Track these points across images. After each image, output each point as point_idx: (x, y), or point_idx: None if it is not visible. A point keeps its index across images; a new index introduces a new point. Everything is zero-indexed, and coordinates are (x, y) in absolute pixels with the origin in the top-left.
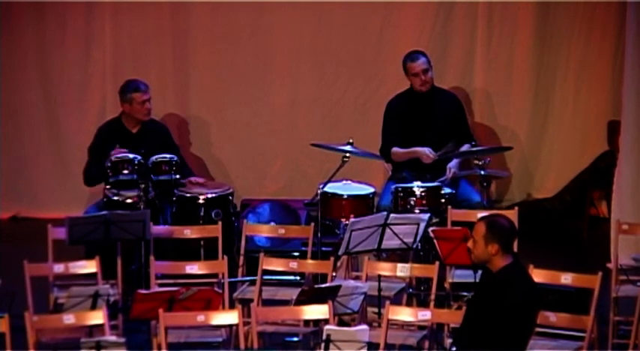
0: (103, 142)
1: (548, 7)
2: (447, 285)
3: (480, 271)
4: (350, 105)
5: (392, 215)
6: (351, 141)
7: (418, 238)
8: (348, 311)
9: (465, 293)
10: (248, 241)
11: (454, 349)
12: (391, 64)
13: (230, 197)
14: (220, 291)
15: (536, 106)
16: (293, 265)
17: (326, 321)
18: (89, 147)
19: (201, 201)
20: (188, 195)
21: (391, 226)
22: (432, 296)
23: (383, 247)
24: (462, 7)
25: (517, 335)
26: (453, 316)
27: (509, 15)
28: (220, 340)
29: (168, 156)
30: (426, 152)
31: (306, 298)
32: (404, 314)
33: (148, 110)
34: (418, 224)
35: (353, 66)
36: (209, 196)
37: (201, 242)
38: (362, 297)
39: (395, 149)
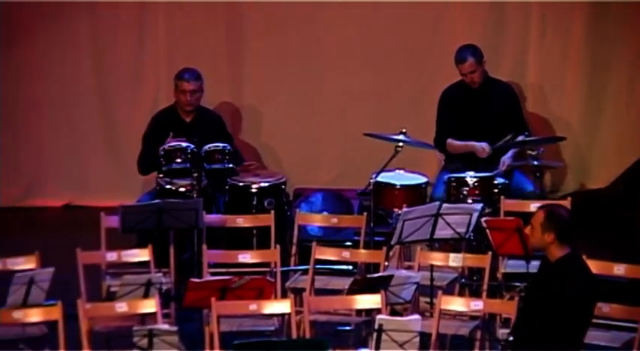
0: (157, 130)
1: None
2: (499, 275)
3: (532, 262)
4: (403, 94)
5: (445, 205)
6: (404, 130)
7: (471, 228)
8: (401, 301)
9: (518, 283)
10: (300, 230)
11: (511, 338)
12: (444, 54)
13: (283, 186)
14: (273, 280)
15: (590, 96)
16: (345, 254)
17: (378, 310)
18: (143, 136)
19: (254, 190)
20: (241, 184)
21: (444, 216)
22: (485, 286)
23: (435, 236)
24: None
25: (574, 327)
26: (505, 307)
27: (563, 7)
28: (272, 329)
29: (221, 145)
30: (482, 146)
31: (359, 288)
32: (456, 304)
33: (189, 101)
34: (471, 214)
35: (406, 56)
36: (262, 185)
37: (254, 231)
38: (414, 287)
39: (450, 141)
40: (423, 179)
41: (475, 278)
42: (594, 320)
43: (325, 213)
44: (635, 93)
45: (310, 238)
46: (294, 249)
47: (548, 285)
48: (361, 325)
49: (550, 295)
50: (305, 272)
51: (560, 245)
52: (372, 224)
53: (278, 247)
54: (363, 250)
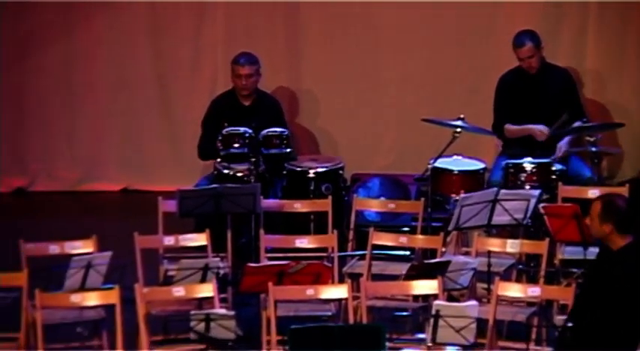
0: (215, 115)
1: None
2: (556, 261)
3: (590, 248)
4: (461, 80)
5: (502, 191)
6: (462, 116)
7: (528, 215)
8: (458, 287)
9: (575, 270)
10: (358, 216)
11: (570, 324)
12: (503, 40)
13: (340, 171)
14: (330, 265)
15: None
16: (403, 240)
17: (435, 296)
18: (202, 120)
19: (311, 175)
20: (298, 169)
21: (501, 202)
22: (542, 273)
23: (493, 222)
24: None
25: (635, 315)
26: (562, 293)
27: None
28: (329, 314)
29: (279, 130)
30: (540, 129)
31: (416, 273)
32: (513, 290)
33: (244, 85)
34: (529, 200)
35: (465, 41)
36: (319, 170)
37: (311, 216)
38: (471, 273)
39: (508, 126)
40: (480, 165)
41: (532, 264)
42: None
43: (383, 198)
44: None
45: (367, 223)
46: (351, 234)
47: (609, 273)
48: (418, 310)
49: (612, 284)
50: (362, 257)
51: (620, 235)
52: (429, 210)
53: (335, 232)
54: (420, 236)
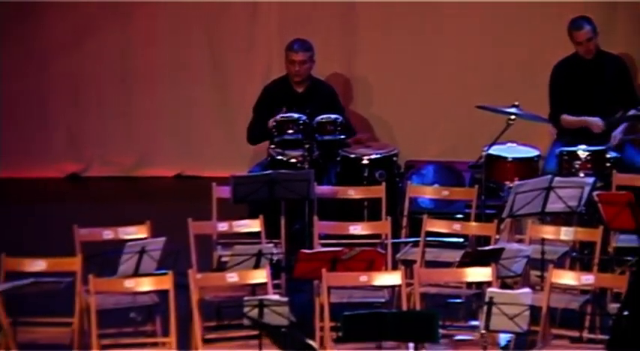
0: (268, 101)
1: None
2: (610, 249)
3: None
4: (516, 67)
5: (556, 179)
6: (516, 103)
7: (582, 202)
8: (511, 274)
9: (630, 258)
10: (412, 203)
11: (626, 313)
12: (557, 27)
13: (394, 158)
14: (383, 252)
15: None
16: (456, 227)
17: (489, 283)
18: (254, 106)
19: (365, 161)
20: (352, 155)
21: (556, 190)
22: (596, 260)
23: (547, 210)
24: None
25: None
26: (616, 281)
27: None
28: (383, 300)
29: (333, 116)
30: (597, 122)
31: (470, 261)
32: (567, 278)
33: (297, 72)
34: (583, 188)
35: (519, 28)
36: (373, 156)
37: (365, 203)
38: (525, 260)
39: (564, 116)
40: (534, 152)
41: (586, 252)
42: None
43: (436, 185)
44: None
45: (421, 210)
46: (405, 221)
47: None
48: (471, 297)
49: None
50: (416, 244)
51: None
52: (483, 197)
53: (389, 218)
54: (474, 223)
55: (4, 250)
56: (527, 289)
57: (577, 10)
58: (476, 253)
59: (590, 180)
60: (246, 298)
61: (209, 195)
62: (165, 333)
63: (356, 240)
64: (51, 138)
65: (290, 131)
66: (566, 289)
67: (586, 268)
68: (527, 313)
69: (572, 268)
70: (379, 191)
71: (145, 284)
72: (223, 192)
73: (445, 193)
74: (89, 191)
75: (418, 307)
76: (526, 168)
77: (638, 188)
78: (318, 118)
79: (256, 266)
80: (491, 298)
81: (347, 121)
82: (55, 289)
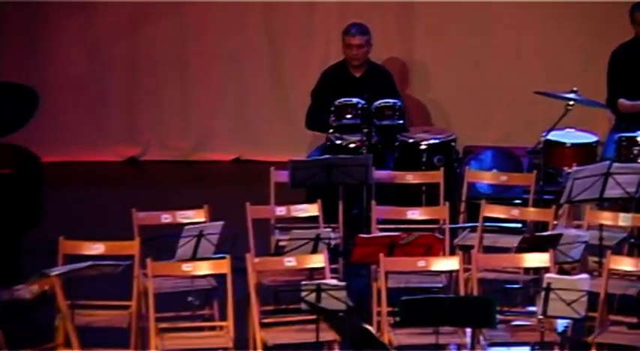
0: (326, 86)
1: None
2: None
3: None
4: (575, 53)
5: (615, 164)
6: (575, 89)
7: None
8: (569, 260)
9: None
10: (470, 188)
11: None
12: (616, 12)
13: (452, 143)
14: (441, 237)
15: None
16: (514, 212)
17: (546, 269)
18: (312, 90)
19: (423, 146)
20: (410, 140)
21: (614, 176)
22: None
23: (605, 196)
24: None
25: None
26: None
27: None
28: (440, 285)
29: (391, 101)
30: None
31: (527, 246)
32: (625, 264)
33: (354, 56)
34: None
35: (577, 13)
36: (432, 141)
37: (423, 188)
38: (583, 246)
39: (622, 101)
40: (593, 138)
41: None
42: None
43: (495, 171)
44: None
45: (479, 195)
46: (463, 206)
47: None
48: (529, 283)
49: None
50: (473, 230)
51: None
52: (541, 182)
53: (447, 204)
54: (532, 209)
55: (63, 234)
56: (584, 275)
57: None
58: (534, 238)
59: None
60: (303, 283)
61: (267, 179)
62: (223, 317)
63: (414, 225)
64: (109, 122)
65: (348, 116)
66: (624, 275)
67: None
68: (585, 299)
69: (630, 254)
70: (437, 176)
71: (203, 268)
72: (281, 176)
73: (503, 178)
74: (147, 175)
75: (475, 293)
76: (584, 154)
77: None
78: (377, 102)
79: (314, 251)
80: (549, 283)
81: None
82: (113, 272)
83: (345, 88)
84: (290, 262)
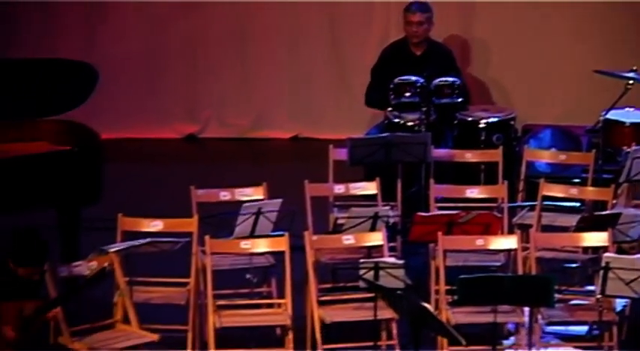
0: (386, 64)
1: None
2: None
3: None
4: (634, 32)
5: None
6: (635, 68)
7: None
8: (628, 239)
9: None
10: (528, 167)
11: None
12: None
13: (512, 122)
14: (500, 215)
15: None
16: (573, 191)
17: (605, 248)
18: (372, 68)
19: (482, 125)
20: (469, 119)
21: None
22: None
23: None
24: None
25: None
26: None
27: None
28: (498, 264)
29: (450, 79)
30: None
31: (586, 225)
32: None
33: (415, 33)
34: None
35: None
36: (491, 120)
37: (482, 166)
38: None
39: None
40: None
41: None
42: None
43: (554, 149)
44: None
45: (538, 174)
46: (521, 185)
47: None
48: (587, 262)
49: None
50: (532, 208)
51: None
52: (600, 161)
53: (505, 182)
54: (590, 188)
55: (122, 211)
56: None
57: None
58: (592, 217)
59: None
60: (361, 261)
61: (325, 157)
62: (281, 295)
63: (472, 203)
64: (168, 99)
65: (407, 94)
66: None
67: None
68: None
69: None
70: (496, 155)
71: (261, 245)
72: (340, 154)
73: (562, 157)
74: (206, 152)
75: (534, 272)
76: None
77: None
78: (436, 81)
79: (372, 229)
80: (607, 263)
81: (463, 85)
82: (171, 249)
83: (404, 66)
84: (348, 240)
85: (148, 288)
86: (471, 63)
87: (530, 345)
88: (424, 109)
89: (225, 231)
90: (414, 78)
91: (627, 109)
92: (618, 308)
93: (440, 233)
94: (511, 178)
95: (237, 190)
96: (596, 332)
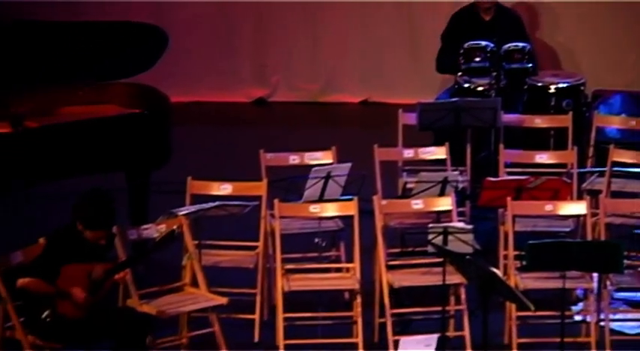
0: (455, 29)
1: None
2: None
3: None
4: None
5: None
6: None
7: None
8: None
9: None
10: (598, 132)
11: None
12: None
13: (582, 87)
14: (569, 181)
15: None
16: None
17: None
18: (442, 33)
19: (552, 90)
20: (539, 84)
21: None
22: None
23: None
24: None
25: None
26: None
27: None
28: (567, 230)
29: (520, 44)
30: None
31: None
32: None
33: None
34: None
35: None
36: (560, 85)
37: (551, 132)
38: None
39: None
40: None
41: None
42: None
43: (624, 115)
44: None
45: (608, 140)
46: (591, 151)
47: None
48: None
49: None
50: (602, 174)
51: None
52: None
53: (575, 148)
54: None
55: (191, 174)
56: None
57: None
58: None
59: None
60: (430, 225)
61: (395, 121)
62: (349, 259)
63: (541, 169)
64: (238, 63)
65: (477, 59)
66: None
67: None
68: None
69: None
70: (566, 120)
71: (330, 209)
72: (409, 118)
73: (632, 123)
74: (275, 116)
75: (603, 238)
76: None
77: None
78: (506, 46)
79: (441, 193)
80: None
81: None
82: (240, 212)
83: (474, 31)
84: (417, 204)
85: (216, 251)
86: (541, 28)
87: (598, 311)
88: (494, 74)
89: (294, 195)
90: (484, 43)
91: None
92: None
93: (509, 198)
94: (580, 144)
95: (307, 154)
96: None
